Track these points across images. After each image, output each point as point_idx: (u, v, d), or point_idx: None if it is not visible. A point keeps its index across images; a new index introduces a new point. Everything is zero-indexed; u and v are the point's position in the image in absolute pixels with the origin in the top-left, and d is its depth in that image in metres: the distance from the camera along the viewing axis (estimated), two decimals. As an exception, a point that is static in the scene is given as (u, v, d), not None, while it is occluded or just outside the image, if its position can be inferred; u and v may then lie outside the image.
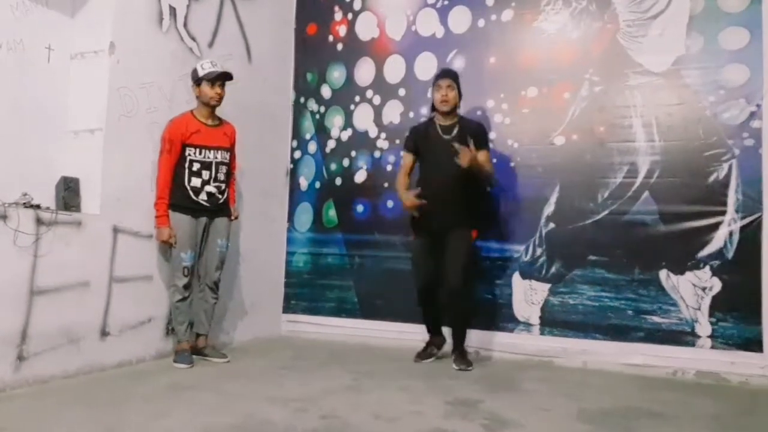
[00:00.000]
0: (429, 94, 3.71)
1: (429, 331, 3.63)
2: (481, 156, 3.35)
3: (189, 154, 3.29)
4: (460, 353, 3.45)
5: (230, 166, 3.49)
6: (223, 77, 3.32)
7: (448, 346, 3.58)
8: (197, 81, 3.30)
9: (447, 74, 3.48)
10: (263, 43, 4.33)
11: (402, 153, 3.68)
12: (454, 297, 3.37)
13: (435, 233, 3.42)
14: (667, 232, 3.44)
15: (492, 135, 3.92)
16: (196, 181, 3.31)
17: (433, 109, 3.51)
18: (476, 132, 3.43)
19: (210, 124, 3.37)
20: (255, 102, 4.23)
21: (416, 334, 3.88)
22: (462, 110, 3.96)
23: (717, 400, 2.86)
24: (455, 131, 3.42)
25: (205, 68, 3.29)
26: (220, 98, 3.34)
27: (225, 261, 3.49)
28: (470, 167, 3.22)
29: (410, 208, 3.40)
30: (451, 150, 3.26)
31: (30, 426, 2.19)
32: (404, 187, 3.51)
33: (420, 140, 3.52)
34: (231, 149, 3.49)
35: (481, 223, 3.59)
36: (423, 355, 3.57)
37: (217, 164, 3.38)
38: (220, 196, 3.41)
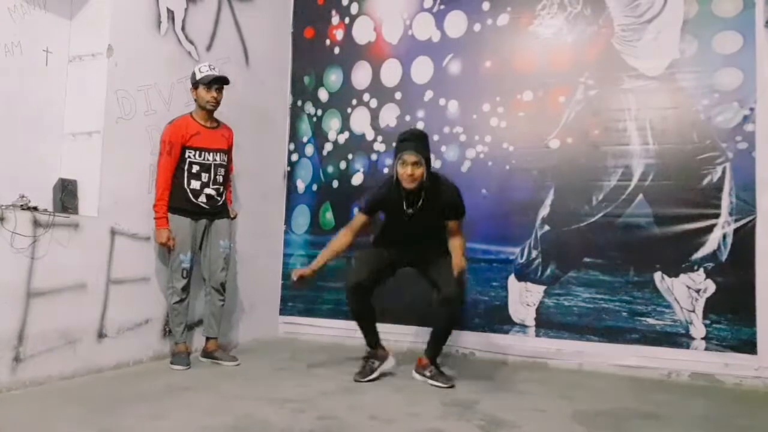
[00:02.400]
0: (393, 151, 3.12)
1: (369, 341, 3.25)
2: (457, 258, 3.02)
3: (189, 157, 3.30)
4: (438, 369, 3.11)
5: (228, 168, 3.50)
6: (220, 81, 3.32)
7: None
8: (195, 84, 3.32)
9: (413, 146, 2.94)
10: (261, 47, 4.34)
11: (356, 211, 3.36)
12: (454, 303, 3.02)
13: (401, 258, 3.20)
14: (662, 234, 3.46)
15: (488, 138, 3.95)
16: (195, 184, 3.32)
17: (396, 179, 3.00)
18: (447, 203, 3.05)
19: (209, 127, 3.38)
20: (252, 105, 4.25)
21: (412, 336, 3.91)
22: (459, 113, 4.01)
23: (711, 401, 2.88)
24: (420, 203, 3.02)
25: (202, 71, 3.30)
26: (217, 102, 3.34)
27: (230, 262, 3.49)
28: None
29: (295, 282, 3.10)
30: (415, 219, 3.02)
31: (27, 428, 2.20)
32: (323, 257, 3.16)
33: (383, 205, 3.14)
34: (229, 152, 3.51)
35: None
36: (364, 372, 3.12)
37: (216, 166, 3.39)
38: (218, 198, 3.42)
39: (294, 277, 3.12)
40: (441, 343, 3.18)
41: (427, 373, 3.08)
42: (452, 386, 2.98)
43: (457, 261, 3.01)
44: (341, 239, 3.19)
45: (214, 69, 3.33)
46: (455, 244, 3.09)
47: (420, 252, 3.19)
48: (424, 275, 3.23)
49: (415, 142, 2.97)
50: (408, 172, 2.92)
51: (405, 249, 3.20)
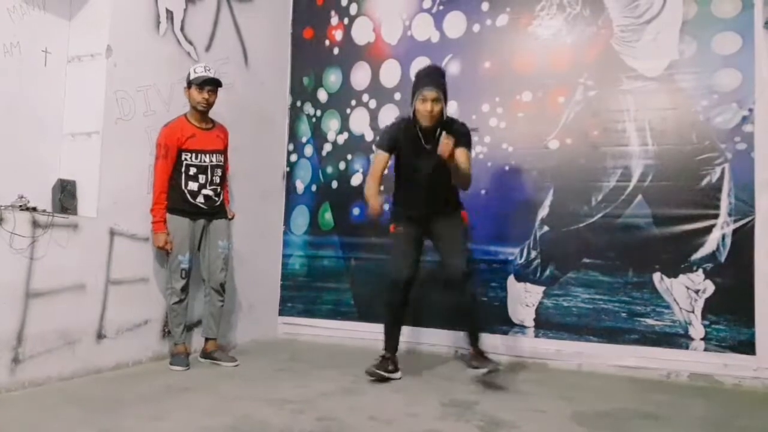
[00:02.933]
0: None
1: (391, 346, 3.16)
2: (460, 153, 2.93)
3: (185, 159, 3.29)
4: (480, 352, 3.07)
5: (224, 168, 3.50)
6: (211, 83, 3.29)
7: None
8: (188, 84, 3.31)
9: (433, 81, 2.98)
10: (260, 47, 4.34)
11: (376, 151, 3.25)
12: (466, 283, 2.99)
13: (419, 222, 3.14)
14: (661, 235, 3.47)
15: (487, 139, 3.95)
16: (192, 185, 3.32)
17: (414, 114, 3.06)
18: (457, 132, 2.98)
19: (204, 128, 3.38)
20: (252, 105, 4.25)
21: (411, 336, 3.90)
22: (458, 114, 4.01)
23: (710, 402, 2.89)
24: (437, 136, 2.96)
25: (196, 72, 3.29)
26: (208, 103, 3.31)
27: (229, 262, 3.49)
28: (447, 161, 2.84)
29: (375, 215, 3.07)
30: (434, 156, 2.89)
31: (26, 428, 2.19)
32: (375, 192, 3.07)
33: (399, 143, 3.12)
34: (225, 152, 3.50)
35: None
36: (378, 373, 3.05)
37: (213, 167, 3.39)
38: (216, 199, 3.42)
39: (377, 213, 3.04)
40: (476, 325, 3.14)
41: (474, 363, 3.05)
42: (491, 371, 2.98)
43: (457, 151, 2.87)
44: (373, 184, 3.09)
45: (209, 70, 3.32)
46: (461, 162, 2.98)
47: (435, 211, 3.12)
48: (434, 245, 3.20)
49: (435, 77, 2.98)
50: (428, 108, 2.92)
51: (421, 206, 3.11)
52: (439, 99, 2.94)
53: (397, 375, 3.15)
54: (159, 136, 3.26)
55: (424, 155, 3.05)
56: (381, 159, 3.13)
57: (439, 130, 2.98)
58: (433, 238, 3.19)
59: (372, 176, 3.14)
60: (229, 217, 3.54)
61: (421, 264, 3.24)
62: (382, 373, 3.07)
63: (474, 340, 3.12)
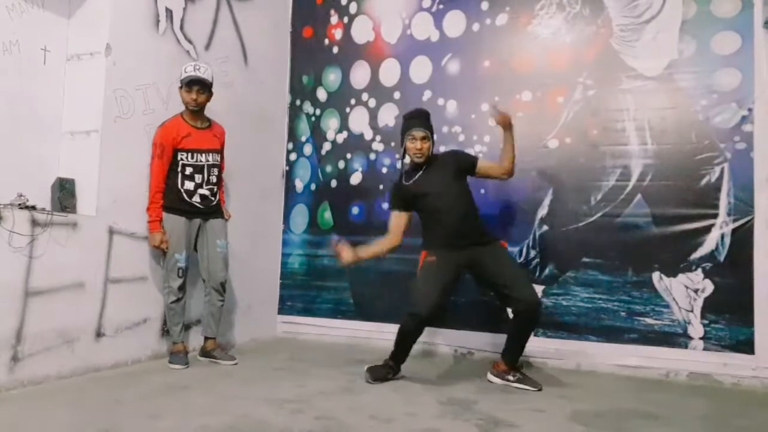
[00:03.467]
0: (400, 143, 3.31)
1: (399, 360, 3.19)
2: (483, 163, 3.28)
3: (181, 159, 3.29)
4: (521, 373, 3.12)
5: (220, 167, 3.49)
6: (197, 83, 3.25)
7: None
8: (180, 84, 3.30)
9: (420, 123, 3.19)
10: (259, 46, 4.34)
11: (392, 213, 3.31)
12: (536, 308, 2.99)
13: (459, 253, 3.07)
14: (660, 234, 3.47)
15: (486, 138, 3.95)
16: (189, 185, 3.32)
17: (404, 153, 3.26)
18: (453, 159, 3.25)
19: (200, 127, 3.37)
20: (251, 104, 4.25)
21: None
22: (457, 113, 4.01)
23: (709, 401, 2.89)
24: (431, 169, 3.21)
25: (186, 72, 3.27)
26: (197, 103, 3.29)
27: (228, 261, 3.49)
28: (506, 130, 3.19)
29: (343, 260, 3.17)
30: (439, 180, 3.14)
31: (24, 427, 2.19)
32: (374, 252, 3.28)
33: (410, 195, 3.22)
34: (221, 151, 3.50)
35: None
36: (379, 375, 3.10)
37: (209, 167, 3.39)
38: (212, 198, 3.42)
39: (341, 252, 3.16)
40: (522, 348, 3.13)
41: (511, 378, 3.07)
42: (540, 389, 2.99)
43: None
44: (391, 241, 3.25)
45: (198, 69, 3.28)
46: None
47: (473, 242, 3.10)
48: (484, 279, 3.14)
49: (421, 119, 3.25)
50: (417, 146, 3.17)
51: (458, 238, 3.10)
52: (427, 137, 3.19)
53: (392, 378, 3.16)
54: (155, 135, 3.27)
55: (431, 188, 3.16)
56: (398, 217, 3.26)
57: (434, 165, 3.22)
58: (483, 272, 3.11)
59: (388, 237, 3.26)
60: (226, 217, 3.54)
61: (450, 299, 3.22)
62: (378, 380, 3.07)
63: (513, 360, 3.13)
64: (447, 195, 3.16)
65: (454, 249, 3.09)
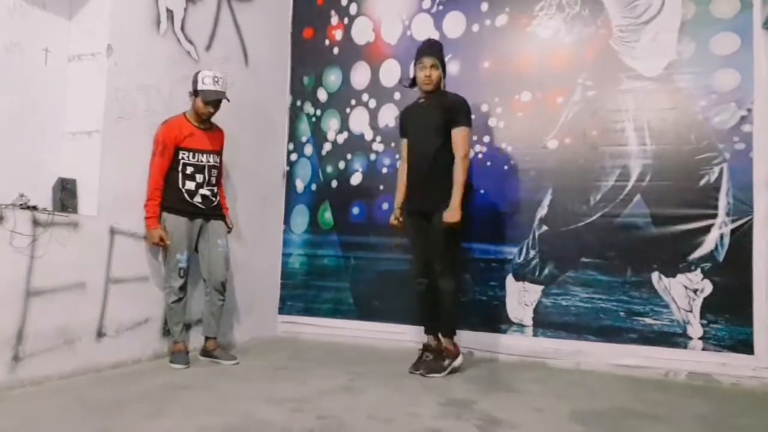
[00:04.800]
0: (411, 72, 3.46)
1: (426, 330, 3.41)
2: (456, 135, 3.22)
3: (182, 158, 3.30)
4: (434, 356, 3.28)
5: (220, 169, 3.51)
6: (220, 100, 3.34)
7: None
8: (195, 93, 3.31)
9: (431, 51, 3.31)
10: (260, 47, 4.35)
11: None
12: (437, 281, 3.22)
13: (421, 215, 3.31)
14: (659, 234, 3.48)
15: (486, 138, 3.96)
16: (190, 185, 3.33)
17: (414, 83, 3.37)
18: (453, 105, 3.26)
19: (203, 128, 3.39)
20: (252, 105, 4.25)
21: (411, 335, 3.91)
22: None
23: (708, 401, 2.90)
24: (432, 106, 3.29)
25: (205, 84, 3.28)
26: (211, 115, 3.38)
27: (229, 260, 3.50)
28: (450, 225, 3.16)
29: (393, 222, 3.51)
30: (431, 115, 3.25)
31: (25, 427, 2.20)
32: (401, 186, 3.48)
33: (406, 121, 3.46)
34: (221, 153, 3.51)
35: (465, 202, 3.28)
36: (417, 365, 3.29)
37: (210, 167, 3.40)
38: (213, 199, 3.44)
39: (394, 223, 3.50)
40: (445, 322, 3.34)
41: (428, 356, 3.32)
42: (423, 375, 3.17)
43: (449, 215, 3.15)
44: (404, 170, 3.46)
45: (218, 82, 3.31)
46: (454, 179, 3.22)
47: (429, 201, 3.26)
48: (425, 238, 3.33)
49: (432, 48, 3.33)
50: (426, 73, 3.24)
51: (419, 197, 3.32)
52: (436, 65, 3.25)
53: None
54: (157, 132, 3.28)
55: (421, 121, 3.32)
56: (404, 144, 3.49)
57: (435, 99, 3.29)
58: (426, 227, 3.31)
59: (402, 166, 3.53)
60: (229, 226, 3.55)
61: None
62: (416, 370, 3.28)
63: (443, 333, 3.37)
64: (423, 144, 3.28)
65: (417, 211, 3.33)
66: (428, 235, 3.27)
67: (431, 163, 3.25)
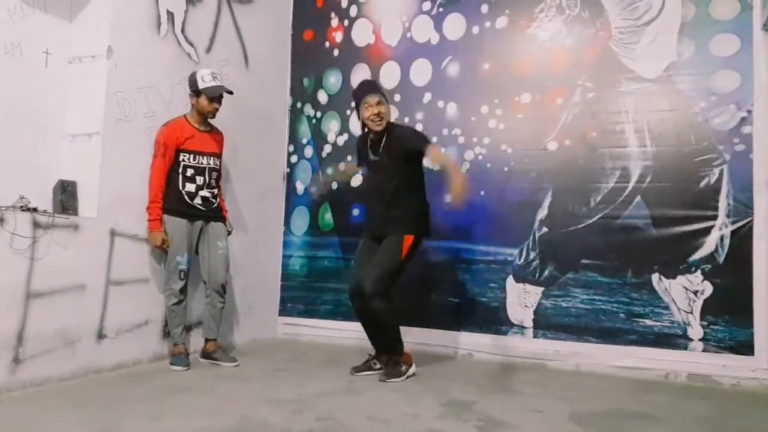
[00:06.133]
0: (355, 116, 3.50)
1: (372, 344, 3.35)
2: (429, 158, 3.19)
3: (183, 160, 3.31)
4: (387, 362, 3.22)
5: (220, 172, 3.51)
6: (222, 95, 3.36)
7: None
8: (196, 92, 3.32)
9: (372, 88, 3.24)
10: (260, 49, 4.36)
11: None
12: (367, 303, 3.10)
13: (374, 238, 3.27)
14: (659, 236, 3.48)
15: (486, 140, 3.96)
16: (190, 187, 3.33)
17: (364, 126, 3.26)
18: (406, 142, 3.16)
19: (203, 130, 3.40)
20: (252, 107, 4.26)
21: (411, 336, 3.91)
22: (457, 115, 4.02)
23: (708, 402, 2.90)
24: (381, 147, 3.21)
25: (206, 81, 3.30)
26: (216, 112, 3.39)
27: (229, 262, 3.50)
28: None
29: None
30: (383, 165, 3.19)
31: (26, 428, 2.20)
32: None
33: (362, 155, 3.41)
34: (221, 155, 3.52)
35: (418, 231, 3.21)
36: (361, 367, 3.29)
37: (210, 170, 3.41)
38: (213, 201, 3.44)
39: None
40: (383, 339, 3.27)
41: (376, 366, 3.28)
42: (384, 381, 3.11)
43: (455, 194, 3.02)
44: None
45: (216, 78, 3.33)
46: (446, 163, 3.26)
47: (382, 228, 3.22)
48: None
49: (372, 86, 3.29)
50: (374, 111, 3.13)
51: (374, 223, 3.31)
52: (382, 102, 3.15)
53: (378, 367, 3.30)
54: (158, 134, 3.28)
55: (373, 166, 3.29)
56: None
57: (384, 140, 3.18)
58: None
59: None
60: (229, 229, 3.55)
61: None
62: (359, 371, 3.27)
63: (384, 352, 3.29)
64: (382, 183, 3.22)
65: (371, 234, 3.30)
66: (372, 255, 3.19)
67: (390, 199, 3.20)
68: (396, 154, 3.17)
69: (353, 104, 3.32)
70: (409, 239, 3.15)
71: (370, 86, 3.28)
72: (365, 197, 3.37)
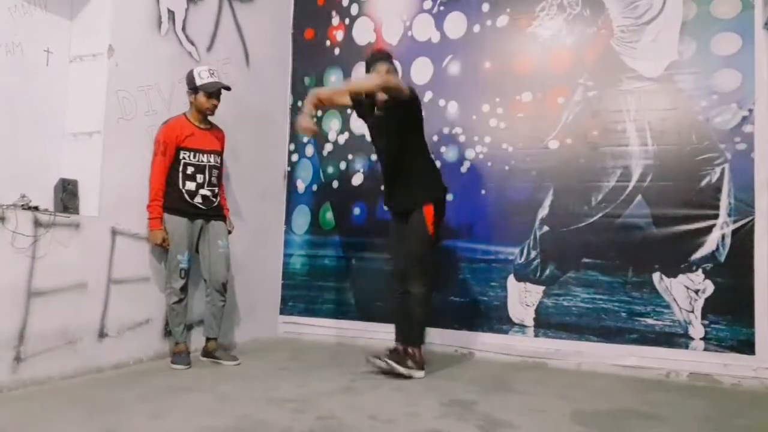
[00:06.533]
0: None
1: (396, 337, 3.33)
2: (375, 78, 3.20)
3: (183, 158, 3.30)
4: (399, 352, 3.21)
5: (221, 170, 3.51)
6: (220, 90, 3.35)
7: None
8: (194, 89, 3.31)
9: (381, 57, 3.35)
10: (261, 47, 4.35)
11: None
12: (406, 286, 3.21)
13: (398, 215, 3.38)
14: (660, 235, 3.47)
15: (487, 139, 3.96)
16: (190, 185, 3.33)
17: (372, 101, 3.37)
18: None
19: (203, 128, 3.40)
20: (253, 105, 4.26)
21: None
22: (458, 114, 4.02)
23: (709, 401, 2.89)
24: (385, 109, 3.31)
25: (203, 77, 3.29)
26: (215, 108, 3.38)
27: (229, 261, 3.50)
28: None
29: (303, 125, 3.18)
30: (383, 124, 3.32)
31: (27, 427, 2.20)
32: (329, 94, 3.46)
33: (364, 114, 3.53)
34: (222, 153, 3.51)
35: (433, 193, 3.28)
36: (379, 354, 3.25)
37: (211, 168, 3.40)
38: (214, 199, 3.44)
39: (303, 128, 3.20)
40: (407, 326, 3.27)
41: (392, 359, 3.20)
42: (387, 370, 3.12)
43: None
44: (344, 95, 3.44)
45: (213, 74, 3.33)
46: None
47: (401, 202, 3.33)
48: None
49: (385, 55, 3.37)
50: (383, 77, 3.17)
51: (392, 198, 3.40)
52: (390, 71, 3.25)
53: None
54: (158, 132, 3.28)
55: (377, 124, 3.39)
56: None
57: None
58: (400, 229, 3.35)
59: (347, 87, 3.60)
60: (229, 228, 3.55)
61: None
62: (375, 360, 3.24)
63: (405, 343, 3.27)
64: (380, 141, 3.39)
65: (395, 212, 3.41)
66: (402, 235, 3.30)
67: (394, 164, 3.32)
68: (395, 110, 3.23)
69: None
70: (429, 210, 3.21)
71: (383, 55, 3.36)
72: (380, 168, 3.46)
